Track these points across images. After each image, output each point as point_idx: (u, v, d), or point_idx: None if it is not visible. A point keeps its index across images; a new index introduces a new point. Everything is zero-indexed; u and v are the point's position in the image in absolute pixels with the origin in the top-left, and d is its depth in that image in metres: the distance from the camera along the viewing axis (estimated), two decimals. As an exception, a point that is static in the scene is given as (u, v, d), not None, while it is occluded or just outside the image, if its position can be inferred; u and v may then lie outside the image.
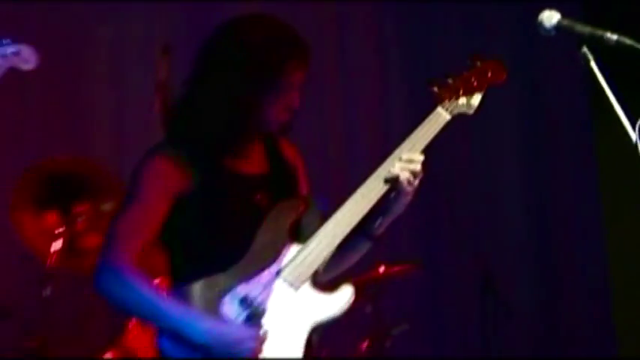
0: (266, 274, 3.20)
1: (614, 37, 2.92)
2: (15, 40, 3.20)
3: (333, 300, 3.24)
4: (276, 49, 3.21)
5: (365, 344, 5.36)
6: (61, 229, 5.03)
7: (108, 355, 5.13)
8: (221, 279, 3.17)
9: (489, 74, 3.48)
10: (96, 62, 6.33)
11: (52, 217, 5.09)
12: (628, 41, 2.91)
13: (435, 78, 3.42)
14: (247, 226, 3.22)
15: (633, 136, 2.85)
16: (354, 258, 3.41)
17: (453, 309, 6.14)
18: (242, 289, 3.14)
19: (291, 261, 3.22)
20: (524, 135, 6.54)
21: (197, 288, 3.13)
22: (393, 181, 3.22)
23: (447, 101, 3.43)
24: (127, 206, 3.20)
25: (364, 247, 3.35)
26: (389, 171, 3.24)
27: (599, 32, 2.95)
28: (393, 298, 5.75)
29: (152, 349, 4.62)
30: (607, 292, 6.91)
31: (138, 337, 5.11)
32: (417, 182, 3.22)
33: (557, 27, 2.99)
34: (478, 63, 3.49)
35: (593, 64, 2.91)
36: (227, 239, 3.21)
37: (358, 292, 4.16)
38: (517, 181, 6.50)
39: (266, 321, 3.12)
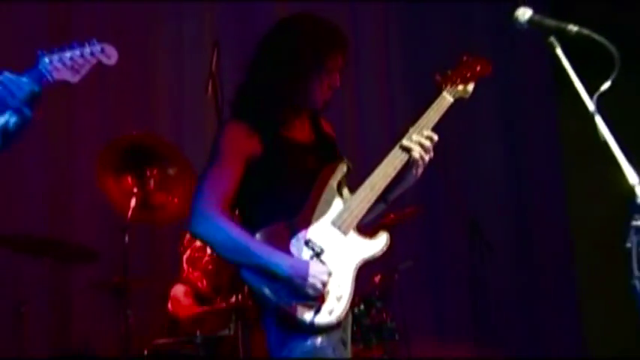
0: (322, 222, 3.35)
1: (575, 28, 2.97)
2: (99, 40, 3.25)
3: (374, 243, 3.40)
4: (322, 38, 3.36)
5: (378, 277, 5.47)
6: (135, 190, 5.23)
7: (178, 286, 5.33)
8: (286, 226, 3.31)
9: (479, 68, 3.66)
10: (160, 57, 6.50)
11: (128, 181, 5.28)
12: (586, 31, 2.96)
13: (439, 70, 3.61)
14: (303, 184, 3.36)
15: (591, 106, 2.91)
16: (371, 216, 3.52)
17: (447, 248, 6.62)
18: (305, 234, 3.30)
19: (340, 212, 3.37)
20: (503, 112, 6.96)
21: (267, 234, 3.28)
22: (408, 152, 3.43)
23: (448, 88, 3.61)
24: (212, 164, 3.31)
25: (380, 209, 3.52)
26: (407, 145, 3.43)
27: (563, 25, 3.02)
28: (400, 241, 5.83)
29: (201, 282, 5.32)
30: (568, 231, 7.29)
31: (190, 273, 5.35)
32: (427, 157, 3.42)
33: (529, 21, 3.08)
34: (470, 59, 3.68)
35: (558, 50, 2.99)
36: (288, 195, 3.33)
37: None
38: (497, 148, 6.97)
39: (325, 259, 3.28)
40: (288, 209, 3.30)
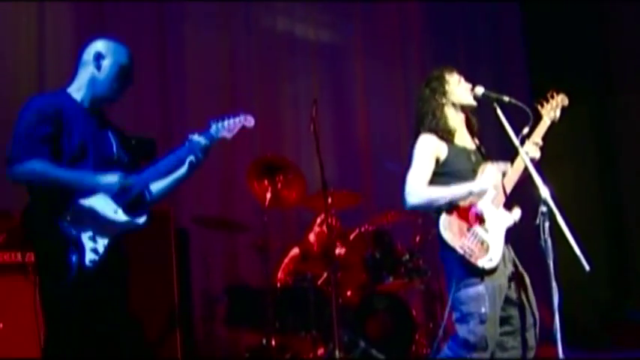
0: (485, 201, 4.06)
1: (507, 98, 4.11)
2: (242, 112, 4.07)
3: (513, 215, 4.12)
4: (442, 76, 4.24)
5: (417, 238, 6.84)
6: (269, 188, 6.66)
7: (295, 249, 6.99)
8: (466, 204, 4.01)
9: (562, 100, 4.33)
10: (286, 112, 8.09)
11: (265, 183, 6.72)
12: (513, 100, 4.12)
13: (539, 100, 4.28)
14: (471, 176, 4.10)
15: (517, 142, 4.07)
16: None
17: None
18: (476, 209, 4.02)
19: (494, 195, 4.08)
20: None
21: (455, 211, 3.99)
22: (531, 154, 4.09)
23: (546, 114, 4.27)
24: (416, 161, 4.12)
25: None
26: (529, 151, 4.09)
27: (500, 96, 4.15)
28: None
29: (317, 247, 6.80)
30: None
31: (313, 240, 6.89)
32: (539, 156, 4.13)
33: (482, 94, 4.23)
34: (555, 94, 4.35)
35: (498, 110, 4.16)
36: (464, 183, 4.06)
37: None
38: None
39: (487, 226, 4.01)
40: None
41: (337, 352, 5.85)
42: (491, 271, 3.94)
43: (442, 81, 4.25)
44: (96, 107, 4.02)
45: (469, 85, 4.26)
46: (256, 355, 6.49)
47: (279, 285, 6.78)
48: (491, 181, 4.00)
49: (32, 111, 3.80)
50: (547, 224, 3.76)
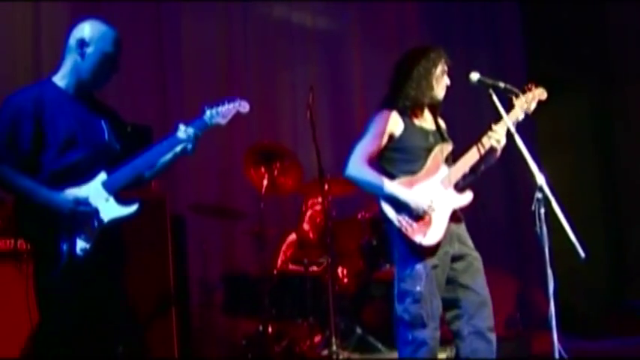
0: (432, 180, 4.08)
1: (502, 84, 4.10)
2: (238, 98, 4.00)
3: (463, 197, 4.12)
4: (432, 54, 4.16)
5: None
6: (266, 175, 6.69)
7: (292, 235, 6.98)
8: (412, 180, 4.03)
9: (539, 94, 4.26)
10: (280, 99, 8.03)
11: (262, 170, 6.74)
12: (508, 86, 4.15)
13: (514, 92, 4.18)
14: (425, 154, 4.11)
15: (512, 129, 4.09)
16: (465, 181, 4.15)
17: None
18: (421, 186, 4.03)
19: (444, 175, 4.08)
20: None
21: (399, 183, 4.00)
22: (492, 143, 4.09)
23: (519, 104, 4.20)
24: (368, 134, 4.12)
25: (472, 178, 4.20)
26: (492, 136, 4.09)
27: (496, 82, 4.12)
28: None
29: (312, 233, 6.78)
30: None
31: (308, 227, 6.89)
32: (500, 147, 4.11)
33: (477, 80, 4.16)
34: (533, 87, 4.29)
35: (494, 96, 4.12)
36: (415, 160, 4.10)
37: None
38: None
39: (434, 202, 3.98)
40: (414, 169, 4.07)
41: (334, 340, 5.82)
42: (431, 249, 3.93)
43: (437, 62, 4.19)
44: (82, 93, 3.93)
45: (448, 83, 4.23)
46: (253, 343, 6.45)
47: (275, 272, 6.75)
48: (421, 200, 3.94)
49: (9, 110, 3.74)
50: (542, 211, 3.73)
